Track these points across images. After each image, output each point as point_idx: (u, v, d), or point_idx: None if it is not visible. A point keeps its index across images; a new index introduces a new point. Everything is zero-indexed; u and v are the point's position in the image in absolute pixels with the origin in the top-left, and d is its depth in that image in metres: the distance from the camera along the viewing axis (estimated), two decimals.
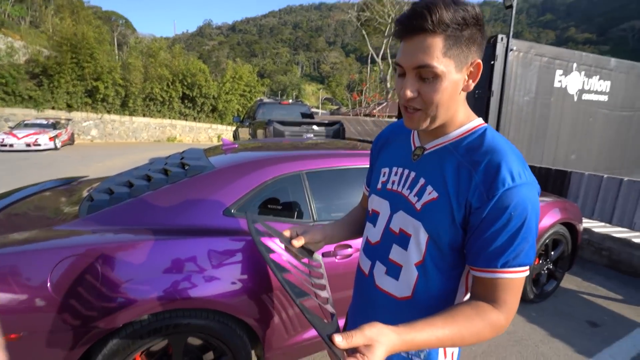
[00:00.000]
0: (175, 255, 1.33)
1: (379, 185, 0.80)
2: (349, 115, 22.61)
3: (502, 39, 4.65)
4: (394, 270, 0.73)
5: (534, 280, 2.72)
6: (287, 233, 0.82)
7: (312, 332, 1.62)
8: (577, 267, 3.41)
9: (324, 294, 0.73)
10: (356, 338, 0.51)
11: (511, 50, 4.62)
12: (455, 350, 0.77)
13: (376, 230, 0.79)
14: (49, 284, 1.15)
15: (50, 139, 11.59)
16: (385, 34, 28.82)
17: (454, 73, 0.61)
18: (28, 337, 1.14)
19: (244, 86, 23.33)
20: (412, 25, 0.59)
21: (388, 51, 29.97)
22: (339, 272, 1.56)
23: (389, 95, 28.39)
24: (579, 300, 2.84)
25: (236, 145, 2.19)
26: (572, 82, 5.28)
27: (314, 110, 10.85)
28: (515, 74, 4.79)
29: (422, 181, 0.70)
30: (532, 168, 4.32)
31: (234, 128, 12.65)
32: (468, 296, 0.72)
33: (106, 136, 17.28)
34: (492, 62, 4.64)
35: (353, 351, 0.51)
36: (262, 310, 1.46)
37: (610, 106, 5.80)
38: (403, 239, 0.71)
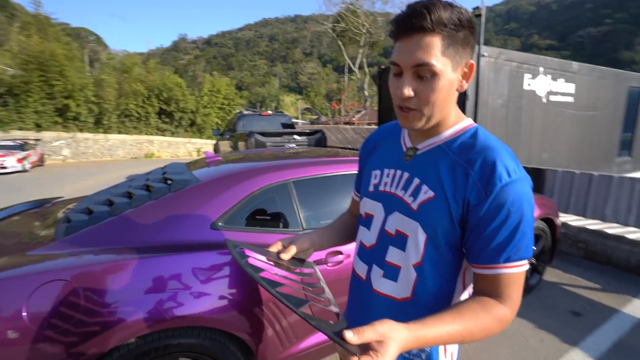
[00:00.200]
0: (162, 272, 1.28)
1: (371, 188, 0.80)
2: (329, 124, 22.82)
3: None
4: (392, 272, 0.73)
5: None
6: (273, 249, 0.80)
7: (308, 342, 1.59)
8: (557, 260, 3.53)
9: (325, 296, 0.72)
10: (368, 333, 0.50)
11: (482, 56, 4.81)
12: (455, 350, 0.77)
13: (371, 233, 0.78)
14: (24, 314, 1.08)
15: (19, 160, 11.00)
16: (361, 44, 29.52)
17: (450, 72, 0.63)
18: None
19: (222, 99, 23.22)
20: (411, 24, 0.60)
21: (364, 60, 30.68)
22: (330, 279, 1.55)
23: (367, 103, 28.92)
24: (561, 291, 2.94)
25: (220, 158, 2.16)
26: (540, 85, 5.55)
27: (293, 120, 10.88)
28: (487, 78, 4.98)
29: (416, 181, 0.70)
30: None
31: (213, 142, 12.48)
32: (465, 293, 0.73)
33: (79, 155, 16.62)
34: None
35: (365, 348, 0.50)
36: (254, 323, 1.42)
37: (576, 107, 6.12)
38: (400, 240, 0.71)
